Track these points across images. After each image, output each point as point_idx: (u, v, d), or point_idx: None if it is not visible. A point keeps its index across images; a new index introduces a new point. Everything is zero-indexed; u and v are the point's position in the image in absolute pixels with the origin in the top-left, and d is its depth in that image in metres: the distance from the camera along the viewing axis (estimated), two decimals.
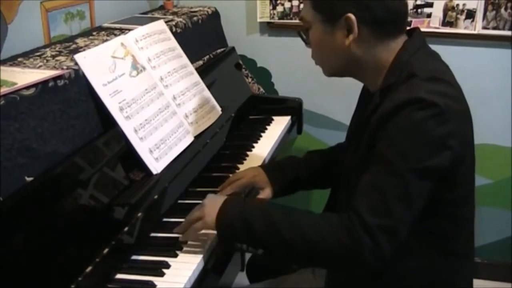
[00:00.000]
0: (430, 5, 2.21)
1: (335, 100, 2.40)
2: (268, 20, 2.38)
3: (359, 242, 1.12)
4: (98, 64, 1.43)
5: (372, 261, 1.12)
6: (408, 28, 1.30)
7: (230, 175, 1.63)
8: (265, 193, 1.55)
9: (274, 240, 1.20)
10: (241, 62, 2.31)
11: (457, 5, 2.18)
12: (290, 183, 1.59)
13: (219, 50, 2.23)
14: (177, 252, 1.32)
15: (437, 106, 1.11)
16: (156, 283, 1.22)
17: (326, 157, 1.62)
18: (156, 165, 1.48)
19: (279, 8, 2.35)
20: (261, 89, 2.36)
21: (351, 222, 1.13)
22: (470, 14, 2.17)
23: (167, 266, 1.27)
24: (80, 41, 1.70)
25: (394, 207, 1.12)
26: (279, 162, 1.66)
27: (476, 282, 1.42)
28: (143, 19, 2.03)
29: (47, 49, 1.59)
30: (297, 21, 2.32)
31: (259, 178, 1.56)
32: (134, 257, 1.31)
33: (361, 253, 1.12)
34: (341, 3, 1.21)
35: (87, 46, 1.63)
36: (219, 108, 1.87)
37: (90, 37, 1.77)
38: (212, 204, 1.30)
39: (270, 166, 1.65)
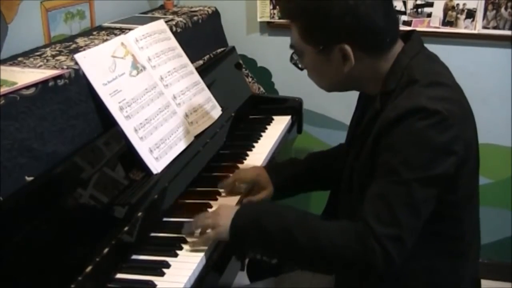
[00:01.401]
0: (430, 4, 2.21)
1: (335, 100, 2.38)
2: (268, 19, 2.38)
3: (370, 251, 1.12)
4: (98, 63, 1.43)
5: (383, 268, 1.13)
6: (407, 29, 1.30)
7: (231, 174, 1.63)
8: (266, 193, 1.55)
9: (289, 248, 1.20)
10: (241, 61, 2.31)
11: (457, 4, 2.18)
12: (291, 184, 1.59)
13: (219, 50, 2.22)
14: (177, 251, 1.32)
15: (439, 114, 1.11)
16: (156, 282, 1.22)
17: (328, 159, 1.62)
18: (156, 165, 1.48)
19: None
20: (261, 89, 2.36)
21: (363, 231, 1.14)
22: (470, 14, 2.17)
23: (167, 265, 1.27)
24: (80, 41, 1.70)
25: (402, 216, 1.13)
26: (281, 164, 1.66)
27: None
28: (143, 18, 2.03)
29: (47, 49, 1.59)
30: None
31: (261, 177, 1.56)
32: (134, 256, 1.31)
33: (373, 261, 1.13)
34: (334, 35, 1.20)
35: (87, 46, 1.63)
36: (219, 108, 1.87)
37: (90, 36, 1.77)
38: (225, 214, 1.29)
39: (272, 167, 1.65)
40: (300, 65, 1.31)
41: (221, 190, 1.60)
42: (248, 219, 1.26)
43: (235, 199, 1.55)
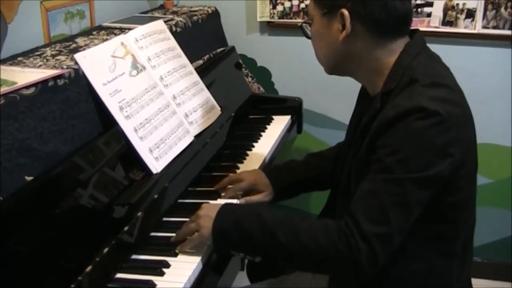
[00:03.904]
0: (430, 4, 2.21)
1: (335, 99, 2.40)
2: (268, 19, 2.38)
3: (355, 249, 1.12)
4: (98, 63, 1.43)
5: (368, 267, 1.13)
6: (410, 29, 1.30)
7: (230, 174, 1.63)
8: (266, 197, 1.55)
9: (271, 247, 1.20)
10: (241, 61, 2.31)
11: (457, 4, 2.18)
12: (290, 187, 1.60)
13: (219, 50, 2.22)
14: (177, 251, 1.32)
15: (439, 115, 1.11)
16: (156, 282, 1.22)
17: (326, 160, 1.62)
18: (156, 165, 1.48)
19: (279, 8, 2.34)
20: (261, 89, 2.36)
21: (348, 229, 1.14)
22: (470, 14, 2.17)
23: (167, 265, 1.27)
24: (80, 41, 1.70)
25: (392, 215, 1.12)
26: (280, 166, 1.66)
27: (476, 282, 1.42)
28: (143, 18, 2.03)
29: (47, 49, 1.59)
30: (297, 20, 2.31)
31: (260, 181, 1.56)
32: (134, 256, 1.31)
33: (357, 260, 1.12)
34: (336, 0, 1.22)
35: (87, 46, 1.63)
36: (219, 108, 1.87)
37: (90, 36, 1.77)
38: (206, 216, 1.29)
39: (271, 170, 1.65)
40: (308, 32, 1.33)
41: (220, 190, 1.60)
42: (229, 222, 1.26)
43: (235, 200, 1.55)
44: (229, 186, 1.57)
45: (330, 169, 1.57)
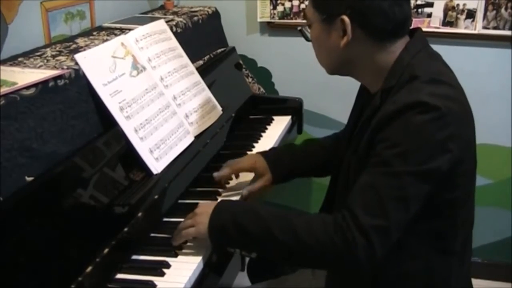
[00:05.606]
0: (431, 5, 2.21)
1: (335, 100, 2.40)
2: (268, 20, 2.38)
3: (352, 242, 1.12)
4: (99, 64, 1.43)
5: (364, 261, 1.12)
6: (411, 28, 1.30)
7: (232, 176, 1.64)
8: (265, 180, 1.56)
9: (268, 243, 1.20)
10: (241, 62, 2.31)
11: (458, 5, 2.18)
12: (289, 171, 1.60)
13: (219, 50, 2.23)
14: (177, 252, 1.32)
15: (439, 110, 1.11)
16: (156, 283, 1.22)
17: (324, 148, 1.63)
18: (156, 165, 1.48)
19: (280, 8, 2.35)
20: (262, 89, 2.36)
21: (345, 222, 1.13)
22: (471, 14, 2.17)
23: (168, 266, 1.28)
24: (80, 41, 1.70)
25: (390, 209, 1.12)
26: (278, 150, 1.67)
27: (476, 282, 1.42)
28: (144, 19, 2.03)
29: (47, 49, 1.59)
30: (297, 21, 2.32)
31: (259, 164, 1.57)
32: (134, 257, 1.31)
33: (354, 253, 1.12)
34: (338, 5, 1.22)
35: (87, 46, 1.63)
36: (219, 108, 1.87)
37: (91, 37, 1.77)
38: (203, 212, 1.30)
39: (270, 153, 1.65)
40: (308, 35, 1.34)
41: (220, 190, 1.61)
42: (226, 218, 1.26)
43: (235, 198, 1.55)
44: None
45: (328, 157, 1.58)
